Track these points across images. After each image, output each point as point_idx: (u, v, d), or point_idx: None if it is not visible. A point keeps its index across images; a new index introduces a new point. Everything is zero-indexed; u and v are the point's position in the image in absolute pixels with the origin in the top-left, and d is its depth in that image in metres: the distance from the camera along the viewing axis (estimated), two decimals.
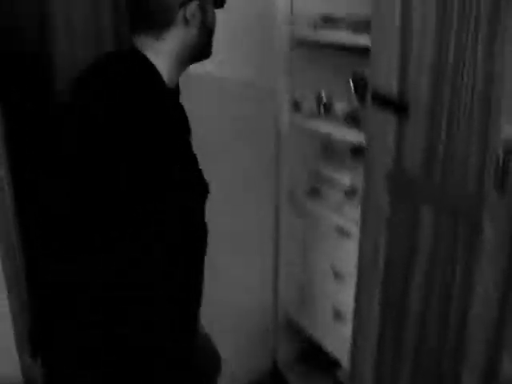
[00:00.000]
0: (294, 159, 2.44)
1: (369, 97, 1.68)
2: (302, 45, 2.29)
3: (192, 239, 1.30)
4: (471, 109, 1.37)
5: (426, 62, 1.47)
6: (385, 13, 1.58)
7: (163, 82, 1.30)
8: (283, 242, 2.54)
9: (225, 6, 1.42)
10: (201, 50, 1.38)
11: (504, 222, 1.34)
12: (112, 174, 1.14)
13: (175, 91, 1.40)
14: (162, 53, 1.30)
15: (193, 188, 1.29)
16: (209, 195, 1.33)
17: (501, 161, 1.30)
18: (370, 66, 1.67)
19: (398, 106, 1.58)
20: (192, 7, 1.29)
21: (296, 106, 2.36)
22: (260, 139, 2.37)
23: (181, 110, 1.38)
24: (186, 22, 1.30)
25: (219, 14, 1.41)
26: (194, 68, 1.43)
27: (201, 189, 1.31)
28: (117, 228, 1.16)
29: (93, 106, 1.21)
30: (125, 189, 1.14)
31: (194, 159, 1.31)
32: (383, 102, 1.62)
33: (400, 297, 1.69)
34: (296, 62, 2.32)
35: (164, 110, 1.25)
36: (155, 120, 1.20)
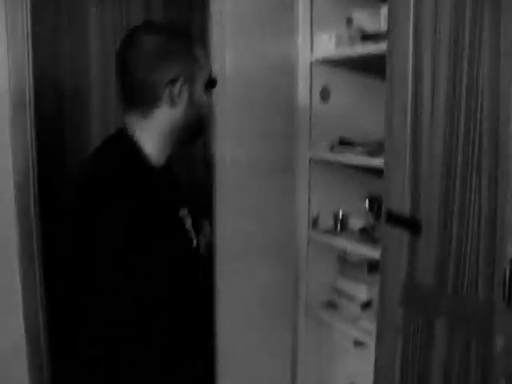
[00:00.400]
0: (312, 273, 2.53)
1: (383, 215, 1.80)
2: (320, 164, 2.45)
3: (180, 295, 1.35)
4: (479, 229, 1.49)
5: (435, 184, 1.61)
6: (397, 138, 1.73)
7: (146, 161, 1.32)
8: (301, 355, 2.58)
9: None
10: (190, 130, 1.38)
11: None
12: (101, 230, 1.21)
13: (164, 167, 1.39)
14: (149, 131, 1.32)
15: (175, 241, 1.34)
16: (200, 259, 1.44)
17: (507, 276, 1.40)
18: (383, 187, 1.80)
19: (410, 224, 1.70)
20: (177, 86, 1.29)
21: (314, 223, 2.49)
22: (279, 254, 2.48)
23: (170, 183, 1.43)
24: (172, 101, 1.30)
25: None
26: None
27: (183, 243, 1.38)
28: (110, 276, 1.22)
29: (89, 184, 1.28)
30: (113, 242, 1.21)
31: (178, 221, 1.38)
32: (396, 220, 1.74)
33: None
34: (314, 180, 2.47)
35: (145, 187, 1.28)
36: (138, 196, 1.24)
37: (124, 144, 1.32)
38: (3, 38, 1.84)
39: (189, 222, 1.43)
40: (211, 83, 1.39)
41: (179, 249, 1.36)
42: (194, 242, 1.42)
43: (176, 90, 1.29)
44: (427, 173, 1.64)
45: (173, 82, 1.29)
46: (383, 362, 1.86)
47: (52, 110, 2.26)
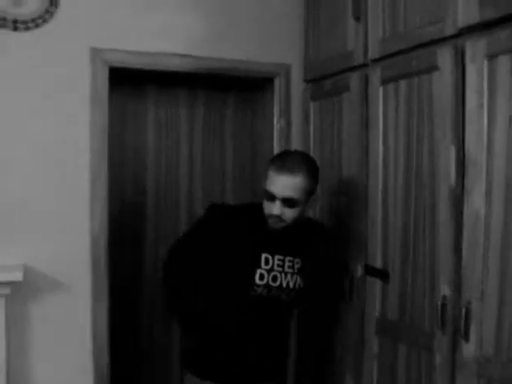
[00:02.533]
0: None
1: (363, 269, 2.41)
2: None
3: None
4: (423, 277, 2.08)
5: (397, 245, 2.22)
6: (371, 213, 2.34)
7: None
8: None
9: None
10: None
11: (447, 352, 1.98)
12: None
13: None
14: None
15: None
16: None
17: (440, 309, 1.98)
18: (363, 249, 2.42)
19: (382, 274, 2.30)
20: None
21: None
22: None
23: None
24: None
25: None
26: None
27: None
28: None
29: None
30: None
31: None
32: (373, 272, 2.35)
33: None
34: None
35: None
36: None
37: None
38: (87, 137, 2.57)
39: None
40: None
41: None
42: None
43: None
44: (392, 237, 2.26)
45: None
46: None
47: (119, 187, 2.95)
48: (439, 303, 1.99)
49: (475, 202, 1.86)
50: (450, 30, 1.97)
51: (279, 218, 2.05)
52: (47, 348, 2.53)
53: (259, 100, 3.07)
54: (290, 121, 2.94)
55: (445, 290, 1.98)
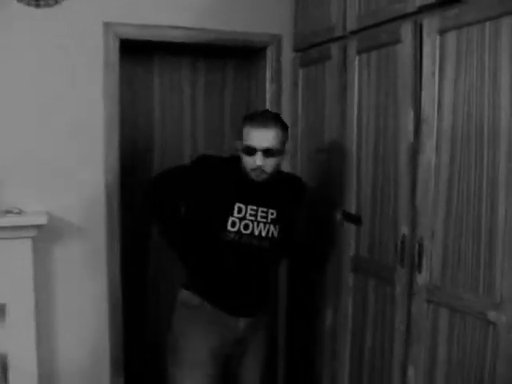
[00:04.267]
0: None
1: (341, 215, 2.78)
2: None
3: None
4: (388, 220, 2.46)
5: (368, 194, 2.59)
6: (347, 170, 2.70)
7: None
8: None
9: None
10: None
11: (405, 282, 2.36)
12: None
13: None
14: None
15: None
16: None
17: (399, 247, 2.36)
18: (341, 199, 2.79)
19: (356, 219, 2.67)
20: None
21: None
22: None
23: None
24: None
25: None
26: None
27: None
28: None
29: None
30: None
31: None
32: (348, 217, 2.72)
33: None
34: None
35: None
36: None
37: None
38: (101, 100, 2.94)
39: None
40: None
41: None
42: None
43: None
44: (364, 188, 2.63)
45: None
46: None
47: (130, 144, 3.31)
48: (399, 241, 2.37)
49: (427, 155, 2.22)
50: (410, 8, 2.30)
51: (261, 169, 2.27)
52: (68, 282, 2.95)
53: (253, 67, 3.41)
54: (280, 85, 3.29)
55: (404, 229, 2.35)
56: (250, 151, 2.27)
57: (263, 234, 2.38)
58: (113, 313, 3.01)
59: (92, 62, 2.90)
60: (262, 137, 2.25)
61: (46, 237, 2.84)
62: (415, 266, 2.30)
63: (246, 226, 2.35)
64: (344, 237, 2.78)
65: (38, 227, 2.73)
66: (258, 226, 2.37)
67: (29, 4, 2.69)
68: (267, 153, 2.25)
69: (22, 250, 2.73)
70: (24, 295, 2.75)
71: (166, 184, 2.47)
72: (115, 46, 2.91)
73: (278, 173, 2.39)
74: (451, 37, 2.11)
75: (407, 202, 2.34)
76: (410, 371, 2.33)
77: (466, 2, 2.04)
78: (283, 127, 2.32)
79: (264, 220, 2.38)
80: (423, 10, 2.24)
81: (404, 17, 2.34)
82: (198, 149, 3.43)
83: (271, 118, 2.32)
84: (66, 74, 2.86)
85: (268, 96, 3.28)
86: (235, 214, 2.34)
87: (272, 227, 2.40)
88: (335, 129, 2.84)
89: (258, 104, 3.35)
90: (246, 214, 2.35)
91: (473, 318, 2.04)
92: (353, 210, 2.71)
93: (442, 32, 2.14)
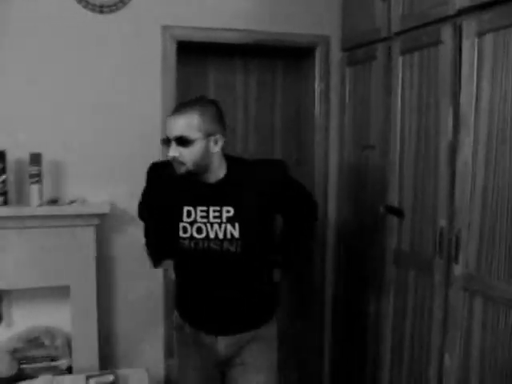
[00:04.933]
0: None
1: (383, 208, 2.90)
2: None
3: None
4: (428, 213, 2.57)
5: (410, 188, 2.71)
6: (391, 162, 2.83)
7: None
8: None
9: None
10: None
11: (443, 273, 2.48)
12: None
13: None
14: None
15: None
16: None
17: (437, 239, 2.47)
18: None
19: (399, 212, 2.80)
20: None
21: None
22: None
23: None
24: None
25: None
26: None
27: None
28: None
29: None
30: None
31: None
32: (391, 210, 2.84)
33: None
34: None
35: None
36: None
37: None
38: (159, 98, 3.15)
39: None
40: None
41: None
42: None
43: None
44: (406, 182, 2.75)
45: None
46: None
47: None
48: (437, 234, 2.49)
49: (465, 152, 2.34)
50: (450, 11, 2.40)
51: (179, 161, 2.01)
52: (127, 267, 3.18)
53: (303, 66, 3.55)
54: (328, 84, 3.43)
55: (442, 222, 2.47)
56: (166, 142, 2.05)
57: (220, 235, 2.09)
58: (167, 298, 3.22)
59: (151, 63, 3.11)
60: (173, 124, 2.00)
61: (108, 225, 3.08)
62: (452, 257, 2.41)
63: (199, 230, 2.11)
64: (386, 231, 2.91)
65: (101, 216, 2.96)
66: (212, 227, 2.10)
67: (94, 10, 2.92)
68: (180, 141, 1.99)
69: (85, 237, 2.95)
70: (87, 278, 2.97)
71: (140, 209, 2.48)
72: (172, 48, 3.11)
73: (237, 163, 2.15)
74: (488, 39, 2.21)
75: (446, 196, 2.45)
76: (446, 358, 2.45)
77: (502, 5, 2.14)
78: (205, 113, 2.01)
79: (218, 220, 2.09)
80: (462, 12, 2.34)
81: (445, 19, 2.44)
82: (249, 148, 3.59)
83: (188, 104, 2.03)
84: (128, 75, 3.08)
85: (317, 94, 3.42)
86: (184, 218, 2.12)
87: (229, 226, 2.09)
88: (380, 126, 2.97)
89: (307, 102, 3.51)
90: (196, 216, 2.11)
91: (506, 307, 2.15)
92: (395, 203, 2.83)
93: (480, 34, 2.24)
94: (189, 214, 2.12)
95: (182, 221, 2.12)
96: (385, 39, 2.92)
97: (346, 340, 3.44)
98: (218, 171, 2.11)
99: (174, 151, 1.99)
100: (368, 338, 3.13)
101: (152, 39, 3.09)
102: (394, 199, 2.85)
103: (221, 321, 2.19)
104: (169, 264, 2.41)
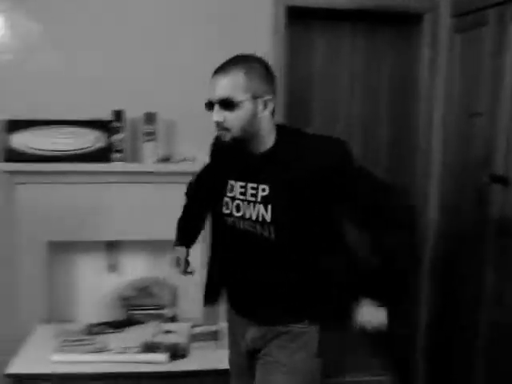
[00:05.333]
0: None
1: (489, 178, 2.88)
2: None
3: None
4: None
5: None
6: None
7: None
8: None
9: None
10: None
11: None
12: None
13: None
14: None
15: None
16: None
17: None
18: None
19: (504, 180, 2.77)
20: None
21: None
22: None
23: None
24: None
25: None
26: None
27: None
28: None
29: None
30: None
31: None
32: (496, 178, 2.82)
33: None
34: None
35: None
36: None
37: None
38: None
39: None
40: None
41: None
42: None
43: None
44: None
45: None
46: None
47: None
48: None
49: None
50: None
51: (223, 126, 1.77)
52: None
53: (411, 32, 3.51)
54: (437, 50, 3.40)
55: None
56: (209, 106, 1.79)
57: (253, 216, 1.82)
58: None
59: (260, 28, 3.20)
60: (217, 84, 1.75)
61: None
62: None
63: (238, 208, 1.87)
64: (489, 199, 2.90)
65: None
66: (248, 206, 1.84)
67: None
68: (225, 104, 1.73)
69: None
70: None
71: (189, 186, 2.38)
72: (281, 12, 3.20)
73: (288, 134, 1.85)
74: None
75: None
76: None
77: None
78: (252, 71, 1.75)
79: (253, 199, 1.82)
80: None
81: None
82: (352, 112, 3.60)
83: (232, 61, 1.78)
84: (238, 40, 3.12)
85: (425, 61, 3.42)
86: (228, 193, 1.90)
87: (262, 208, 1.80)
88: (489, 93, 2.93)
89: (414, 68, 3.50)
90: (235, 192, 1.88)
91: None
92: (501, 171, 2.80)
93: None
94: (231, 189, 1.89)
95: (226, 195, 1.90)
96: (497, 4, 2.86)
97: (445, 303, 3.44)
98: (267, 141, 1.82)
99: (218, 115, 1.74)
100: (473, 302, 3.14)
101: (262, 4, 3.18)
102: (499, 168, 2.82)
103: (250, 304, 1.97)
104: (181, 252, 2.26)
